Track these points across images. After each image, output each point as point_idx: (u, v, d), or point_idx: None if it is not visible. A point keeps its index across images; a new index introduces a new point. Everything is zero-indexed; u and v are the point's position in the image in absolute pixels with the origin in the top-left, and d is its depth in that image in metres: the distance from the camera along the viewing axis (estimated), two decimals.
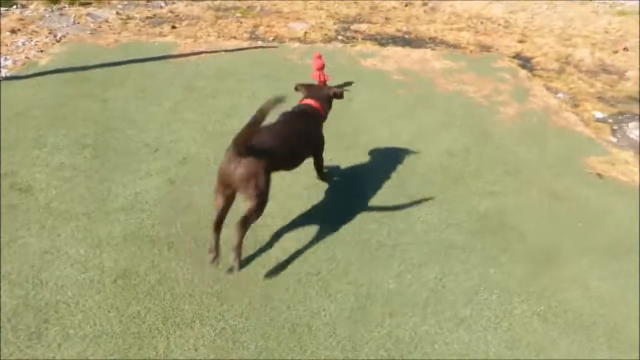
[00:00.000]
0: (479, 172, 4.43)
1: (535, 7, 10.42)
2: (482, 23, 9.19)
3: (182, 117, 4.89)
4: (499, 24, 9.22)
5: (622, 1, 11.63)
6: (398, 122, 5.13)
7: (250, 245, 3.36)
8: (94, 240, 3.33)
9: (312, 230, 3.56)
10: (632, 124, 5.85)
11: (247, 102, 5.27)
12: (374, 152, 4.55)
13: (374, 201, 3.92)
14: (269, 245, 3.39)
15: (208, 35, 7.31)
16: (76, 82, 5.44)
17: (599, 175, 4.61)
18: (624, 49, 8.35)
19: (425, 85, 6.12)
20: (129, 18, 7.87)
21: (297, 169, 4.13)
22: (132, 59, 6.08)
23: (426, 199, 4.00)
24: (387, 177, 4.23)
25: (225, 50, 6.62)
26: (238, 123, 4.72)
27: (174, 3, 8.85)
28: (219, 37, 7.29)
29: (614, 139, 5.49)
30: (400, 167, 4.37)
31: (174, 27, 7.58)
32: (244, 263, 3.23)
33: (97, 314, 2.83)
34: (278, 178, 4.00)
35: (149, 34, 7.21)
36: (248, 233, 3.23)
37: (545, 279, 3.35)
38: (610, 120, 5.94)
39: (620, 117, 6.05)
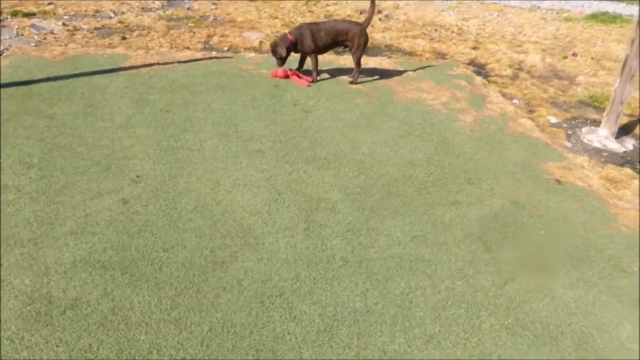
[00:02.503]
0: (442, 181, 4.40)
1: (486, 15, 10.60)
2: (436, 30, 9.27)
3: (135, 132, 4.68)
4: (453, 31, 9.32)
5: (568, 8, 11.98)
6: (358, 133, 5.06)
7: (208, 267, 3.21)
8: (41, 268, 3.11)
9: (273, 248, 3.43)
10: (585, 129, 5.96)
11: (202, 115, 5.11)
12: (334, 165, 4.46)
13: (337, 215, 3.83)
14: (229, 266, 3.24)
15: (160, 46, 7.09)
16: (19, 97, 5.15)
17: (558, 181, 4.65)
18: (573, 54, 8.55)
19: (383, 93, 6.09)
20: (76, 29, 7.57)
21: (257, 183, 4.03)
22: (80, 72, 5.82)
23: (389, 211, 3.92)
24: (349, 190, 4.14)
25: (179, 62, 6.43)
26: (193, 137, 4.61)
27: (123, 13, 8.58)
28: (171, 47, 7.09)
29: (568, 144, 5.58)
30: (362, 180, 4.30)
31: (124, 38, 7.33)
32: (202, 285, 3.07)
33: (44, 350, 2.62)
34: (236, 193, 3.89)
35: (98, 45, 6.94)
36: (205, 253, 3.10)
37: (511, 289, 3.32)
38: (565, 125, 6.04)
39: (573, 122, 6.16)
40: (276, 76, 6.15)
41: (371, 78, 6.54)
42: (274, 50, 6.06)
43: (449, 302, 3.15)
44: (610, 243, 3.87)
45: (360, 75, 6.37)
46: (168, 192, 3.88)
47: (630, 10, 12.33)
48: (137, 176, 4.04)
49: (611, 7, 12.39)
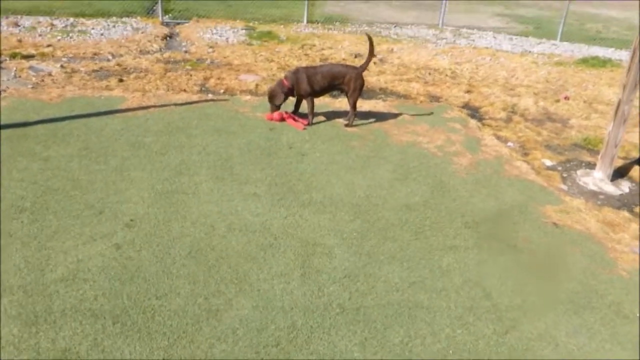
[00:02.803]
0: (438, 225, 4.36)
1: (479, 59, 10.77)
2: (430, 74, 9.39)
3: (129, 175, 4.65)
4: (446, 75, 9.44)
5: (559, 52, 12.21)
6: (353, 176, 5.05)
7: (202, 315, 3.13)
8: (30, 317, 3.02)
9: (269, 295, 3.36)
10: (580, 172, 5.97)
11: (197, 158, 5.09)
12: (330, 209, 4.42)
13: (333, 261, 3.77)
14: (224, 314, 3.16)
15: (157, 89, 7.14)
16: (15, 140, 5.13)
17: (555, 224, 4.62)
18: (565, 97, 8.65)
19: (378, 136, 6.11)
20: (73, 71, 7.63)
21: (252, 227, 3.98)
22: (77, 114, 5.83)
23: (387, 256, 3.87)
24: (345, 234, 4.10)
25: (175, 104, 6.46)
26: (188, 180, 4.58)
27: (121, 56, 8.66)
28: (168, 90, 7.13)
29: (564, 187, 5.57)
30: (357, 224, 4.25)
31: (121, 80, 7.38)
32: (195, 335, 2.98)
33: None
34: (231, 238, 3.83)
35: (95, 87, 6.98)
36: (199, 301, 3.03)
37: (513, 338, 3.24)
38: (560, 168, 6.05)
39: (568, 165, 6.18)
40: (272, 119, 6.18)
41: (366, 121, 6.57)
42: (271, 96, 6.11)
43: (450, 351, 3.07)
44: (611, 288, 3.81)
45: (355, 118, 6.40)
46: (162, 237, 3.82)
47: (620, 55, 12.58)
48: (131, 220, 3.99)
49: (601, 52, 12.64)
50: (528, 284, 3.76)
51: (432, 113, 7.12)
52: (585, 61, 11.40)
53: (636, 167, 6.22)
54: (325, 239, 4.01)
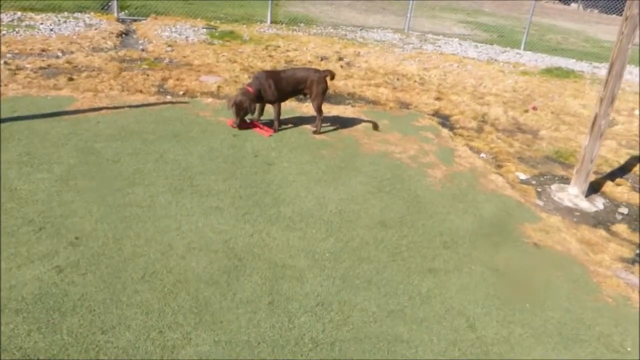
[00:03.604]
0: (416, 245, 4.06)
1: (447, 65, 10.61)
2: (398, 79, 9.15)
3: (76, 185, 4.17)
4: (415, 81, 9.22)
5: (523, 62, 12.20)
6: (324, 189, 4.70)
7: (155, 353, 2.71)
8: None
9: (233, 327, 2.97)
10: (555, 186, 5.80)
11: (154, 166, 4.64)
12: (300, 226, 4.06)
13: (304, 286, 3.41)
14: (181, 351, 2.76)
15: (110, 89, 6.62)
16: None
17: (536, 244, 4.40)
18: (533, 108, 8.56)
19: (349, 145, 5.79)
20: (18, 68, 7.02)
21: (214, 246, 3.58)
22: (19, 116, 5.29)
23: (362, 281, 3.54)
24: (317, 255, 3.74)
25: (130, 106, 5.97)
26: (143, 192, 4.14)
27: (72, 53, 8.08)
28: (122, 90, 6.62)
29: (540, 202, 5.38)
30: (330, 243, 3.91)
31: (71, 79, 6.83)
32: None
33: None
34: (190, 259, 3.43)
35: (41, 86, 6.41)
36: (153, 335, 2.62)
37: None
38: (534, 182, 5.86)
39: (542, 179, 6.00)
40: (233, 126, 5.76)
41: (335, 127, 6.25)
42: (238, 109, 5.62)
43: None
44: (598, 317, 3.59)
45: (323, 124, 6.07)
46: (112, 258, 3.38)
47: (581, 66, 12.69)
48: (76, 238, 3.52)
49: (563, 63, 12.73)
50: (513, 313, 3.49)
51: (402, 121, 6.84)
52: (550, 71, 11.42)
53: (608, 182, 6.09)
54: (296, 260, 3.65)
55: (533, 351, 3.18)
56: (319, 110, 5.98)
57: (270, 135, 5.70)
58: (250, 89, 5.62)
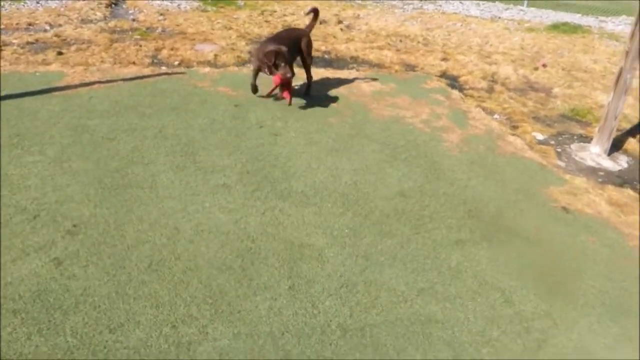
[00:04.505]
0: (440, 215, 3.79)
1: (450, 25, 10.20)
2: (401, 41, 8.75)
3: (71, 167, 3.86)
4: (418, 42, 8.83)
5: (528, 18, 11.76)
6: (336, 159, 4.40)
7: (170, 351, 2.46)
8: None
9: (253, 317, 2.72)
10: (574, 146, 5.51)
11: (153, 143, 4.33)
12: (314, 201, 3.78)
13: (325, 267, 3.14)
14: (198, 348, 2.50)
15: (102, 62, 6.25)
16: None
17: (565, 209, 4.13)
18: (543, 65, 8.20)
19: (358, 111, 5.46)
20: (5, 44, 6.62)
21: (224, 228, 3.31)
22: (7, 94, 4.93)
23: (387, 257, 3.27)
24: (335, 232, 3.47)
25: (123, 79, 5.61)
26: (143, 171, 3.85)
27: (60, 26, 7.66)
28: (115, 63, 6.25)
29: (561, 163, 5.10)
30: (348, 218, 3.63)
31: (60, 53, 6.44)
32: None
33: None
34: (200, 243, 3.15)
35: (30, 62, 6.03)
36: (166, 331, 2.36)
37: (547, 354, 2.71)
38: (552, 142, 5.57)
39: (560, 139, 5.71)
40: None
41: (341, 93, 5.90)
42: (280, 54, 5.00)
43: None
44: None
45: (329, 90, 5.76)
46: (114, 246, 3.10)
47: (587, 21, 12.24)
48: (74, 225, 3.23)
49: (569, 18, 12.27)
50: (550, 285, 3.24)
51: (410, 83, 6.50)
52: (556, 27, 10.99)
53: (630, 139, 5.80)
54: (313, 239, 3.37)
55: (577, 325, 2.95)
56: (310, 70, 5.78)
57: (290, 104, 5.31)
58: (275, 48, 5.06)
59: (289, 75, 5.09)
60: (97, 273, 2.87)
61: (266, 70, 5.13)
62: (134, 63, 6.32)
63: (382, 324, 2.77)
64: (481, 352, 2.69)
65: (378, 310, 2.86)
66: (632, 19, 4.92)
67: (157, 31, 7.85)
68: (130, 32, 7.64)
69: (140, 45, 6.98)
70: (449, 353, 2.64)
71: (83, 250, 3.03)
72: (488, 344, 2.74)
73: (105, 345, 2.44)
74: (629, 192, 4.68)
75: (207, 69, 6.31)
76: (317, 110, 5.37)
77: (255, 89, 5.47)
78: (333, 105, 5.56)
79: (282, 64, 5.02)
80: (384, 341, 2.66)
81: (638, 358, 2.77)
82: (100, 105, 4.91)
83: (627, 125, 6.19)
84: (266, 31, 8.29)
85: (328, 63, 7.22)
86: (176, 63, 6.51)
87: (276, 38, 5.40)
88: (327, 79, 6.36)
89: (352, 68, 7.10)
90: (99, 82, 5.49)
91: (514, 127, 5.82)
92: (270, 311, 2.76)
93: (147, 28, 7.95)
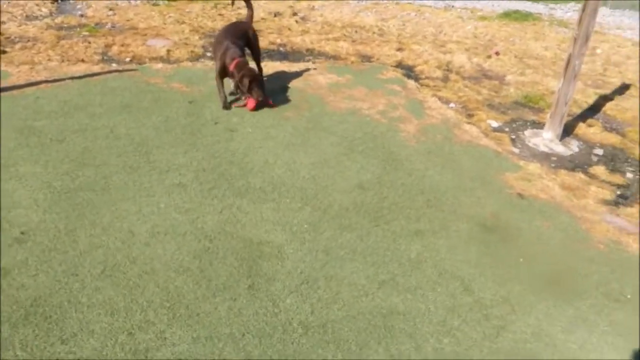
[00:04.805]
0: (398, 206, 3.80)
1: (404, 15, 10.25)
2: (356, 32, 8.75)
3: (17, 171, 3.71)
4: (374, 32, 8.84)
5: (480, 7, 11.92)
6: (293, 153, 4.36)
7: (127, 359, 2.39)
8: None
9: (212, 319, 2.67)
10: (528, 132, 5.62)
11: (104, 143, 4.20)
12: (273, 197, 3.74)
13: (285, 264, 3.11)
14: (156, 354, 2.44)
15: (49, 60, 6.03)
16: None
17: (520, 195, 4.20)
18: (496, 53, 8.32)
19: (314, 104, 5.43)
20: None
21: (181, 229, 3.23)
22: None
23: (347, 251, 3.26)
24: (294, 227, 3.44)
25: (72, 78, 5.43)
26: (95, 173, 3.73)
27: (4, 23, 7.35)
28: (62, 61, 6.04)
29: (516, 150, 5.20)
30: (307, 213, 3.61)
31: (3, 52, 6.19)
32: None
33: None
34: (156, 246, 3.07)
35: None
36: (122, 339, 2.28)
37: (506, 341, 2.76)
38: (507, 129, 5.67)
39: (514, 125, 5.81)
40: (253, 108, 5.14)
41: (298, 87, 5.85)
42: (255, 78, 5.02)
43: None
44: (593, 266, 3.44)
45: (284, 84, 5.70)
46: (65, 253, 2.99)
47: (537, 8, 12.48)
48: (22, 233, 3.11)
49: (520, 5, 12.48)
50: (508, 271, 3.29)
51: (366, 74, 6.50)
52: (508, 15, 11.18)
53: (580, 124, 5.95)
54: (272, 236, 3.34)
55: (534, 309, 3.01)
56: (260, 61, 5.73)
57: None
58: (239, 59, 5.04)
59: (261, 99, 5.07)
60: (48, 282, 2.76)
61: (238, 89, 5.09)
62: (82, 60, 6.12)
63: (343, 319, 2.76)
64: (442, 341, 2.71)
65: (339, 306, 2.85)
66: (580, 6, 5.01)
67: (107, 27, 7.62)
68: (78, 29, 7.40)
69: (89, 42, 6.76)
70: (410, 345, 2.66)
71: (32, 259, 2.91)
72: (449, 333, 2.76)
73: (58, 357, 2.35)
74: (581, 176, 4.80)
75: (159, 65, 6.16)
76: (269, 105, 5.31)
77: (227, 104, 5.11)
78: (289, 98, 5.51)
79: (256, 88, 4.97)
80: (346, 336, 2.66)
81: (591, 338, 2.84)
82: (47, 106, 4.74)
83: (577, 111, 6.34)
84: (220, 25, 8.14)
85: (284, 56, 7.16)
86: (127, 59, 6.34)
87: (228, 35, 5.26)
88: (283, 72, 6.29)
89: (308, 60, 7.05)
90: (46, 81, 5.29)
91: (470, 116, 5.89)
92: (230, 312, 2.71)
93: (96, 24, 7.71)
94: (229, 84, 5.29)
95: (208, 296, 2.80)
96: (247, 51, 5.48)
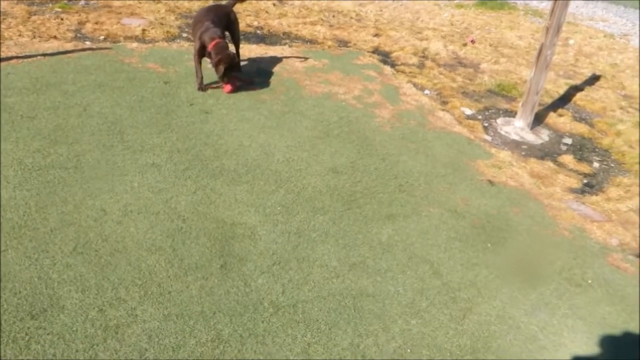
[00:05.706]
0: (371, 191, 3.86)
1: (382, 1, 10.25)
2: (334, 16, 8.73)
3: None
4: (351, 17, 8.84)
5: None
6: (268, 136, 4.37)
7: (97, 336, 2.40)
8: None
9: (184, 297, 2.69)
10: (500, 120, 5.72)
11: (77, 121, 4.15)
12: (247, 179, 3.76)
13: (258, 244, 3.14)
14: (127, 330, 2.46)
15: (19, 36, 5.89)
16: None
17: (490, 182, 4.29)
18: (472, 41, 8.41)
19: (290, 87, 5.43)
20: None
21: (154, 208, 3.23)
22: None
23: (319, 234, 3.31)
24: (267, 209, 3.47)
25: (44, 54, 5.33)
26: (67, 151, 3.69)
27: None
28: (33, 37, 5.91)
29: (488, 137, 5.29)
30: (280, 195, 3.63)
31: None
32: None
33: None
34: (128, 224, 3.07)
35: None
36: (92, 315, 2.29)
37: (472, 323, 2.85)
38: (480, 117, 5.76)
39: (487, 113, 5.91)
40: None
41: (273, 70, 5.85)
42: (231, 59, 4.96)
43: (408, 350, 2.61)
44: (558, 252, 3.55)
45: (260, 67, 5.68)
46: (36, 229, 2.97)
47: None
48: None
49: None
50: (476, 255, 3.38)
51: (343, 59, 6.52)
52: (484, 4, 11.27)
53: (551, 113, 6.07)
54: (245, 217, 3.36)
55: (500, 293, 3.10)
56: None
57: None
58: (219, 39, 4.96)
59: (238, 84, 5.10)
60: (18, 258, 2.75)
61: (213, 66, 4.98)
62: (55, 37, 6.00)
63: (314, 299, 2.81)
64: (410, 322, 2.78)
65: (310, 287, 2.90)
66: None
67: (81, 3, 7.46)
68: (50, 4, 7.23)
69: (62, 19, 6.62)
70: (379, 325, 2.72)
71: (2, 236, 2.88)
72: (417, 315, 2.84)
73: (27, 332, 2.35)
74: (549, 164, 4.92)
75: (134, 45, 6.08)
76: (249, 87, 5.30)
77: (203, 85, 5.07)
78: (266, 82, 5.50)
79: (231, 76, 5.00)
80: (316, 316, 2.71)
81: (552, 321, 2.94)
82: (19, 82, 4.65)
83: (548, 100, 6.46)
84: (197, 5, 8.04)
85: (260, 39, 7.11)
86: (101, 38, 6.23)
87: (209, 15, 5.19)
88: (260, 55, 6.27)
89: (285, 44, 7.02)
90: (17, 57, 5.18)
91: (444, 103, 5.96)
92: (202, 291, 2.74)
93: (69, 0, 7.55)
94: (207, 65, 5.24)
95: (180, 275, 2.82)
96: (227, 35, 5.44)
